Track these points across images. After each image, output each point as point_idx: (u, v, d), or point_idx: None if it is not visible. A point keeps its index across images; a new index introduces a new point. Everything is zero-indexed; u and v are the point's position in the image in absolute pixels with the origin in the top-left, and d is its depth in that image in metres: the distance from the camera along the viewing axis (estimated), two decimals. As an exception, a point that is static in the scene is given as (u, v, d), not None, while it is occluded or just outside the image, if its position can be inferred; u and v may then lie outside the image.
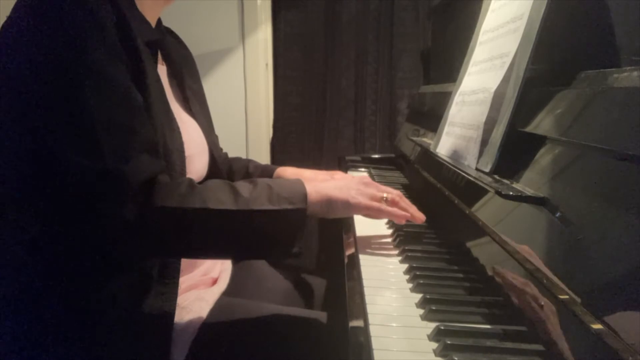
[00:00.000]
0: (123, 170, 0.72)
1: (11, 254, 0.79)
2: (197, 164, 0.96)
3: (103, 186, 0.72)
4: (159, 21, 1.00)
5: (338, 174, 1.16)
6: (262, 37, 2.19)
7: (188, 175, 0.88)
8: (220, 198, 0.76)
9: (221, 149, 1.24)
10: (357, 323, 0.61)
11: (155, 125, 0.79)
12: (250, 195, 0.78)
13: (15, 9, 0.76)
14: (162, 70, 0.97)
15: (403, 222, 0.90)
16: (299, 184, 0.83)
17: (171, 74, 1.00)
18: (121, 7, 0.77)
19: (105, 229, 0.74)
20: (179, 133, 0.87)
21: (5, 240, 0.79)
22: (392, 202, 0.88)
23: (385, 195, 0.88)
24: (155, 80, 0.83)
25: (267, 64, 2.23)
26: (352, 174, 1.59)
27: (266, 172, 1.19)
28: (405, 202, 0.91)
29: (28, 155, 0.75)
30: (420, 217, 0.91)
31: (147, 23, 0.88)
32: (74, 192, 0.73)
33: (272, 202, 0.77)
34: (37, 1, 0.74)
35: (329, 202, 0.83)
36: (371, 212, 0.87)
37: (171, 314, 0.81)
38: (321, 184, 0.87)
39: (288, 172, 1.17)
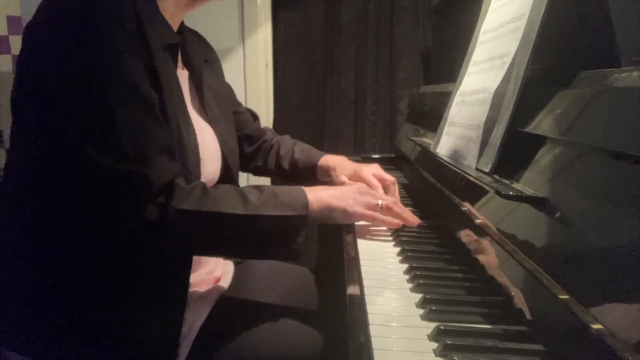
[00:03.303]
0: (146, 173, 0.75)
1: (25, 249, 0.81)
2: (209, 167, 0.97)
3: (126, 187, 0.75)
4: (182, 24, 1.00)
5: (364, 170, 1.15)
6: (262, 37, 2.19)
7: (201, 177, 0.90)
8: (231, 203, 0.81)
9: (266, 131, 1.31)
10: (357, 323, 0.61)
11: (171, 124, 0.81)
12: (258, 202, 0.82)
13: (41, 11, 0.78)
14: (183, 75, 0.98)
15: (397, 226, 0.95)
16: (301, 192, 0.88)
17: (191, 80, 1.01)
18: (141, 10, 0.79)
19: (127, 228, 0.77)
20: (194, 135, 0.89)
21: (23, 235, 0.82)
22: (387, 209, 0.94)
23: (380, 202, 0.93)
24: (172, 81, 0.85)
25: (267, 64, 2.23)
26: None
27: (311, 159, 1.24)
28: (400, 207, 0.96)
29: (52, 154, 0.77)
30: (413, 220, 0.95)
31: (168, 26, 0.89)
32: (96, 190, 0.76)
33: (278, 208, 0.83)
34: (63, 6, 0.76)
35: (329, 210, 0.89)
36: (367, 220, 0.94)
37: (180, 317, 0.83)
38: (321, 191, 0.91)
39: (332, 161, 1.21)
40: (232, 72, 2.20)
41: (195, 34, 1.14)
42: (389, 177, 1.13)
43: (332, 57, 2.18)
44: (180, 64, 0.99)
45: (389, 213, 0.94)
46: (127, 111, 0.75)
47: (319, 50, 2.19)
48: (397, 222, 0.94)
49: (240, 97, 2.23)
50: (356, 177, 1.14)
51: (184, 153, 0.85)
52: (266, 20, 2.20)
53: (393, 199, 0.97)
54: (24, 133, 0.81)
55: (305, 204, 0.85)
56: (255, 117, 1.32)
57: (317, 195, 0.88)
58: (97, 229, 0.79)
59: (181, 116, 0.86)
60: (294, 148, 1.27)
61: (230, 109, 1.17)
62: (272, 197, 0.84)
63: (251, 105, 2.25)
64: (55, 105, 0.75)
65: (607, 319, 0.44)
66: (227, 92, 1.20)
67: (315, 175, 1.23)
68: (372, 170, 1.15)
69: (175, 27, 0.94)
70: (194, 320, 0.87)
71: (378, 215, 0.92)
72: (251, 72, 2.21)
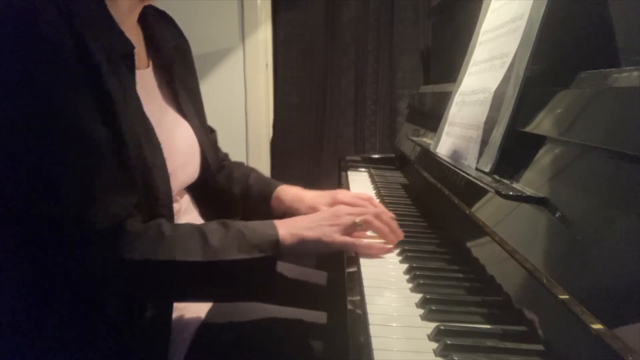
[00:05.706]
0: (83, 218, 0.70)
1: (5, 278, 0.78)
2: (180, 177, 0.91)
3: (65, 233, 0.71)
4: (145, 9, 0.91)
5: (340, 194, 1.06)
6: (262, 37, 2.19)
7: (173, 191, 0.85)
8: (188, 248, 0.75)
9: (220, 150, 1.22)
10: (357, 323, 0.61)
11: (130, 147, 0.75)
12: (220, 244, 0.77)
13: None
14: (145, 74, 0.92)
15: (383, 252, 0.86)
16: (271, 228, 0.81)
17: (160, 74, 0.96)
18: (82, 26, 0.72)
19: (72, 273, 0.73)
20: (160, 151, 0.82)
21: None
22: (366, 223, 0.86)
23: (357, 220, 0.85)
24: (129, 97, 0.78)
25: (267, 64, 2.23)
26: (351, 174, 1.59)
27: (266, 188, 1.12)
28: (382, 220, 0.88)
29: None
30: (393, 239, 0.88)
31: (119, 34, 0.80)
32: (37, 236, 0.72)
33: (242, 250, 0.77)
34: None
35: (303, 243, 0.81)
36: (348, 249, 0.84)
37: (168, 320, 0.82)
38: (294, 223, 0.84)
39: (290, 194, 1.09)
40: (232, 72, 2.21)
41: (163, 15, 1.04)
42: (366, 195, 1.04)
43: (332, 57, 2.19)
44: (145, 61, 0.93)
45: (370, 227, 0.87)
46: (63, 152, 0.69)
47: (319, 50, 2.19)
48: (381, 247, 0.85)
49: (240, 97, 2.26)
50: (335, 204, 1.00)
51: (150, 175, 0.78)
52: (266, 20, 2.20)
53: (375, 211, 0.88)
54: None
55: (275, 241, 0.79)
56: (212, 129, 1.19)
57: (288, 229, 0.81)
58: (48, 270, 0.75)
59: (143, 134, 0.79)
60: (249, 174, 1.15)
61: (201, 100, 1.09)
62: (237, 237, 0.78)
63: (251, 105, 2.26)
64: None
65: (607, 319, 0.44)
66: (196, 83, 1.10)
67: (268, 207, 1.10)
68: (351, 193, 1.07)
69: (134, 20, 0.89)
70: (190, 322, 0.87)
71: (360, 242, 0.84)
72: (251, 72, 2.22)
